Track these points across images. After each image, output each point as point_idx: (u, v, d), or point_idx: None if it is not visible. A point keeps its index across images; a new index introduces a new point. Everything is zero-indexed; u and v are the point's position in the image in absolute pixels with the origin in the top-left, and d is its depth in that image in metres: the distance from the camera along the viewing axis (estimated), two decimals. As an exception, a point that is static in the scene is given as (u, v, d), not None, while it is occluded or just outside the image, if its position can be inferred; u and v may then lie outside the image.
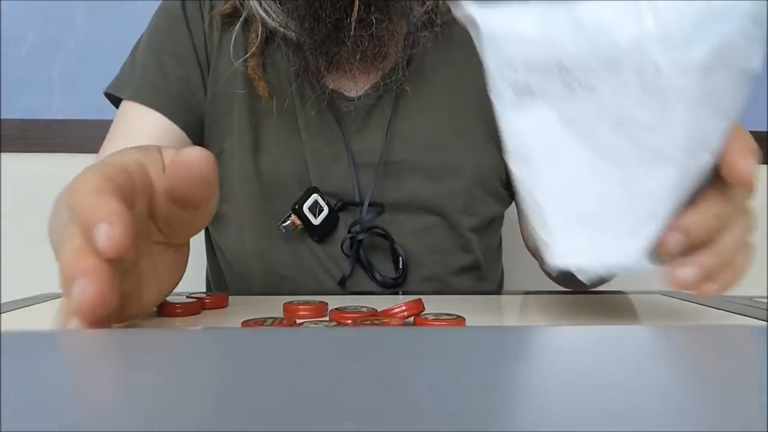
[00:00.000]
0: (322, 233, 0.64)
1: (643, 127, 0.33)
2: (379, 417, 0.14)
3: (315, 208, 0.64)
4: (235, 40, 0.66)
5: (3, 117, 1.07)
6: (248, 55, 0.65)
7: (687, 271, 0.35)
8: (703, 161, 0.34)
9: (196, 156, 0.32)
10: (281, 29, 0.64)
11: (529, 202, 0.36)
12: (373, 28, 0.60)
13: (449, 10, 0.68)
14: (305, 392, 0.16)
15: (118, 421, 0.13)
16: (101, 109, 1.09)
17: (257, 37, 0.64)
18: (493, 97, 0.36)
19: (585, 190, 0.35)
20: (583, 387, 0.17)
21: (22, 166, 1.04)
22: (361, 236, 0.63)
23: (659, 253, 0.35)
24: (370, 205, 0.64)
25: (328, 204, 0.64)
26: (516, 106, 0.35)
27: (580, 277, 0.36)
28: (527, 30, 0.33)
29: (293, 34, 0.63)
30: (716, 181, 0.35)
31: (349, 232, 0.64)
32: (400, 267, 0.64)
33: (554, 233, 0.35)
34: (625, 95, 0.32)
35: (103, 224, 0.27)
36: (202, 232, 0.77)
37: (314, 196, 0.63)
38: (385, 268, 0.65)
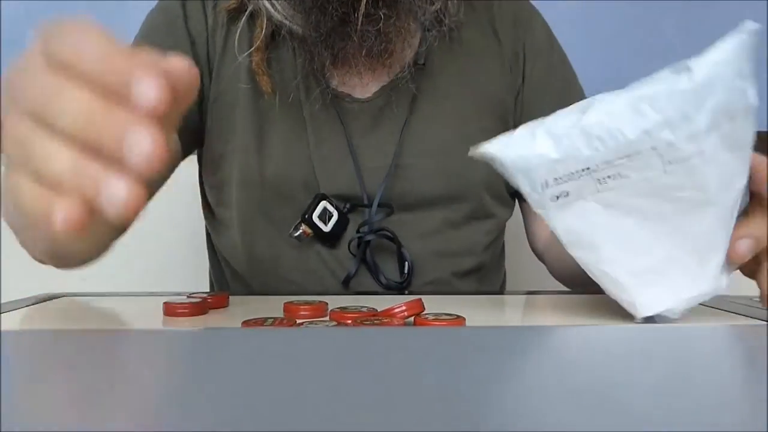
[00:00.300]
0: (333, 239, 0.64)
1: (674, 187, 0.37)
2: (379, 416, 0.14)
3: (325, 215, 0.63)
4: (240, 34, 0.65)
5: (3, 117, 1.07)
6: (252, 49, 0.64)
7: (745, 242, 0.39)
8: (738, 189, 0.38)
9: (179, 63, 0.28)
10: (287, 22, 0.63)
11: (598, 275, 0.40)
12: (380, 24, 0.59)
13: (459, 11, 0.67)
14: (305, 392, 0.16)
15: (118, 420, 0.13)
16: (101, 109, 1.09)
17: (262, 31, 0.64)
18: (534, 207, 0.40)
19: (643, 249, 0.39)
20: (583, 386, 0.17)
21: (22, 166, 1.04)
22: (368, 237, 0.63)
23: (732, 262, 0.40)
24: (379, 205, 0.64)
25: (336, 208, 0.63)
26: (558, 208, 0.39)
27: (670, 316, 0.39)
28: (546, 153, 0.37)
29: (299, 27, 0.63)
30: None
31: (358, 232, 0.63)
32: (406, 271, 0.64)
33: (630, 291, 0.40)
34: (651, 170, 0.36)
35: (145, 77, 0.24)
36: (204, 232, 0.76)
37: (323, 204, 0.63)
38: (390, 271, 0.65)
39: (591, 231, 0.39)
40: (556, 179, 0.38)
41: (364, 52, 0.60)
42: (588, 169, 0.37)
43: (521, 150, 0.38)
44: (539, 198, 0.39)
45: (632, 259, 0.39)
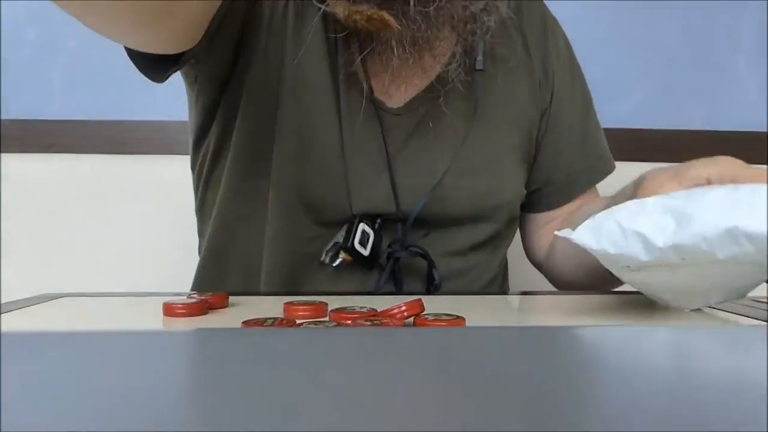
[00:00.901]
0: (372, 263, 0.61)
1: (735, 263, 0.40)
2: (378, 417, 0.14)
3: (363, 238, 0.60)
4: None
5: (3, 117, 1.07)
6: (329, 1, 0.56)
7: None
8: None
9: None
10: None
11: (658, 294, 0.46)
12: (432, 7, 0.55)
13: (509, 5, 0.64)
14: (305, 392, 0.16)
15: (118, 421, 0.13)
16: (101, 109, 1.10)
17: None
18: (615, 273, 0.43)
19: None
20: (583, 386, 0.17)
21: (22, 166, 1.04)
22: (399, 254, 0.61)
23: None
24: (414, 223, 0.61)
25: (372, 228, 0.61)
26: (634, 275, 0.43)
27: None
28: (637, 256, 0.40)
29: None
30: None
31: (389, 247, 0.61)
32: (433, 290, 0.62)
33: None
34: (725, 263, 0.40)
35: None
36: (197, 234, 0.75)
37: (361, 226, 0.60)
38: (413, 287, 0.63)
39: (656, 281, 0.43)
40: (640, 268, 0.41)
41: (409, 37, 0.56)
42: (670, 263, 0.40)
43: (612, 248, 0.41)
44: (617, 272, 0.43)
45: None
